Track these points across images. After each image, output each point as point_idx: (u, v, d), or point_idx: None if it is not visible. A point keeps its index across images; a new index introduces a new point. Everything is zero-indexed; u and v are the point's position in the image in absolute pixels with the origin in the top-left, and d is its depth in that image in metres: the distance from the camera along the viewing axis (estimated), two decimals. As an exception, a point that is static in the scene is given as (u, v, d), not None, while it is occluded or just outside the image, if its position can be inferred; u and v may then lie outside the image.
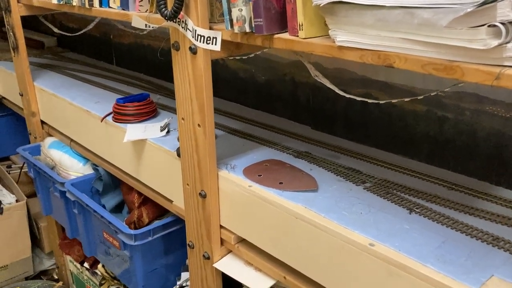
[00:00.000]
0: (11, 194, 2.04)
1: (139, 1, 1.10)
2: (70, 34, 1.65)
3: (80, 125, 1.46)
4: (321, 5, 0.64)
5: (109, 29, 1.96)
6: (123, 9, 1.12)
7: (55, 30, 1.66)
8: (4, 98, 2.05)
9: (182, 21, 0.88)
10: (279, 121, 1.27)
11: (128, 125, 1.25)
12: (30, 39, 2.28)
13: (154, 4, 1.09)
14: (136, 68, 1.87)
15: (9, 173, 2.15)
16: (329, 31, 0.67)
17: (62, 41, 2.34)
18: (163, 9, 0.87)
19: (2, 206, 1.92)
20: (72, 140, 1.56)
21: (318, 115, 1.20)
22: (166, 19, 0.88)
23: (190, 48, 0.88)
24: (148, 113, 1.30)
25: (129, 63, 1.91)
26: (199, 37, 0.86)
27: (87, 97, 1.51)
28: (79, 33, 1.60)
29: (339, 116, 1.15)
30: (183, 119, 0.97)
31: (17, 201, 2.00)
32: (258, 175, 0.94)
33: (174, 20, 0.89)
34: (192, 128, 0.95)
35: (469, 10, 0.49)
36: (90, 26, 1.51)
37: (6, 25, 1.63)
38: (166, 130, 1.20)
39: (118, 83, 1.67)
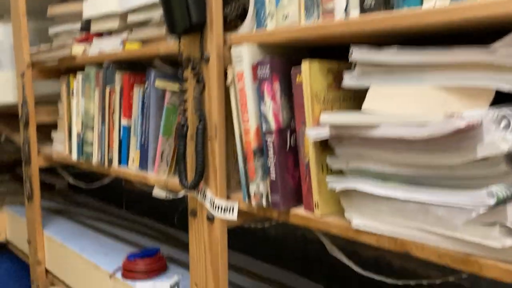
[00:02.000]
0: None
1: (159, 162, 1.15)
2: (84, 187, 1.71)
3: (87, 278, 1.43)
4: (336, 190, 0.68)
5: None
6: (142, 169, 1.18)
7: (70, 181, 1.72)
8: (10, 243, 2.04)
9: (201, 191, 0.92)
10: (291, 279, 1.25)
11: (137, 283, 1.23)
12: (43, 182, 2.34)
13: (172, 167, 1.15)
14: (146, 214, 1.89)
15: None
16: (345, 212, 0.70)
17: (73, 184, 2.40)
18: (184, 180, 0.92)
19: None
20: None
21: (331, 274, 1.19)
22: (186, 188, 0.92)
23: (207, 216, 0.91)
24: (158, 269, 1.29)
25: (139, 209, 1.94)
26: (216, 207, 0.90)
27: (96, 248, 1.50)
28: (93, 187, 1.65)
29: (353, 277, 1.14)
30: (196, 285, 0.96)
31: None
32: None
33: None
34: (205, 293, 0.94)
35: (481, 212, 0.52)
36: (105, 182, 1.57)
37: (24, 176, 1.69)
38: (175, 288, 1.18)
39: (128, 231, 1.68)
